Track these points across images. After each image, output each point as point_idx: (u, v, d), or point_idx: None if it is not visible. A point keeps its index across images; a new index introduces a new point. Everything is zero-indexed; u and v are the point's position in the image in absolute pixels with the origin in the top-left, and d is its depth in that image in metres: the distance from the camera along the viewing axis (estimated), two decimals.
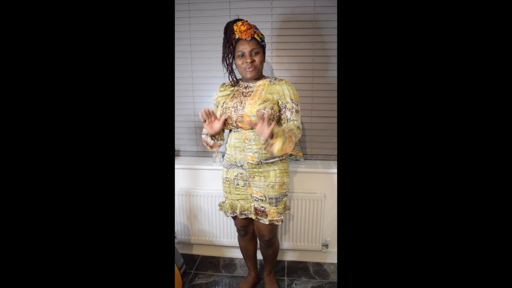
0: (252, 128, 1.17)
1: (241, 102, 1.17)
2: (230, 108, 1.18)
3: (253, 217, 1.27)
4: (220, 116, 1.19)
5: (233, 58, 1.20)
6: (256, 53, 1.17)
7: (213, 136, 1.22)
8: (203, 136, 1.27)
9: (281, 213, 1.25)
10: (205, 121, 1.15)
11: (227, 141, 1.28)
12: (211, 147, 1.27)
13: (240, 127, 1.18)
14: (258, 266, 1.57)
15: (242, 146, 1.20)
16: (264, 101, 1.15)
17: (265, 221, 1.24)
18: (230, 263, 1.73)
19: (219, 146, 1.28)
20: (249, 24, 1.15)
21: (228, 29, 1.16)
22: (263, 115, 1.03)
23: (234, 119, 1.17)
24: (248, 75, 1.18)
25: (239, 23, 1.14)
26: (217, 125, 1.16)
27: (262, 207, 1.24)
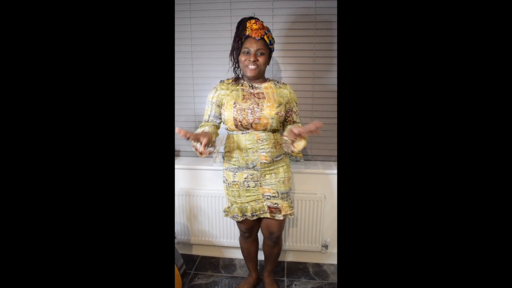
0: (265, 129, 1.19)
1: (258, 104, 1.18)
2: (246, 110, 1.17)
3: (268, 215, 1.28)
4: (234, 118, 1.16)
5: (239, 54, 1.21)
6: (261, 54, 1.17)
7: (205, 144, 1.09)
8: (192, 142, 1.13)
9: (292, 207, 1.30)
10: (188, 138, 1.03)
11: (228, 144, 1.25)
12: (201, 153, 1.10)
13: (253, 129, 1.19)
14: (258, 267, 1.57)
15: (255, 147, 1.20)
16: (279, 104, 1.20)
17: (280, 216, 1.27)
18: (229, 264, 1.73)
19: (209, 153, 1.11)
20: (262, 24, 1.17)
21: (241, 25, 1.17)
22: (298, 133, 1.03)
23: (251, 121, 1.17)
24: (248, 73, 1.19)
25: (253, 21, 1.16)
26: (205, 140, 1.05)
27: (275, 203, 1.26)
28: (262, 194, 1.26)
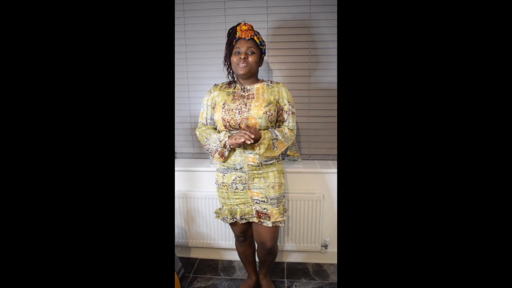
0: None
1: (246, 104, 1.17)
2: (233, 110, 1.17)
3: (256, 220, 1.25)
4: (222, 118, 1.18)
5: (231, 56, 1.21)
6: (252, 53, 1.18)
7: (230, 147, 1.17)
8: (213, 145, 1.20)
9: (282, 214, 1.25)
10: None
11: None
12: (223, 156, 1.19)
13: (242, 129, 1.16)
14: (258, 269, 1.55)
15: (242, 148, 1.18)
16: (268, 103, 1.18)
17: (268, 223, 1.23)
18: (228, 266, 1.71)
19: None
20: (252, 26, 1.19)
21: (232, 31, 1.20)
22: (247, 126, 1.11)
23: (238, 121, 1.16)
24: (239, 71, 1.19)
25: (242, 23, 1.18)
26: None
27: (265, 209, 1.23)
28: (251, 198, 1.24)
